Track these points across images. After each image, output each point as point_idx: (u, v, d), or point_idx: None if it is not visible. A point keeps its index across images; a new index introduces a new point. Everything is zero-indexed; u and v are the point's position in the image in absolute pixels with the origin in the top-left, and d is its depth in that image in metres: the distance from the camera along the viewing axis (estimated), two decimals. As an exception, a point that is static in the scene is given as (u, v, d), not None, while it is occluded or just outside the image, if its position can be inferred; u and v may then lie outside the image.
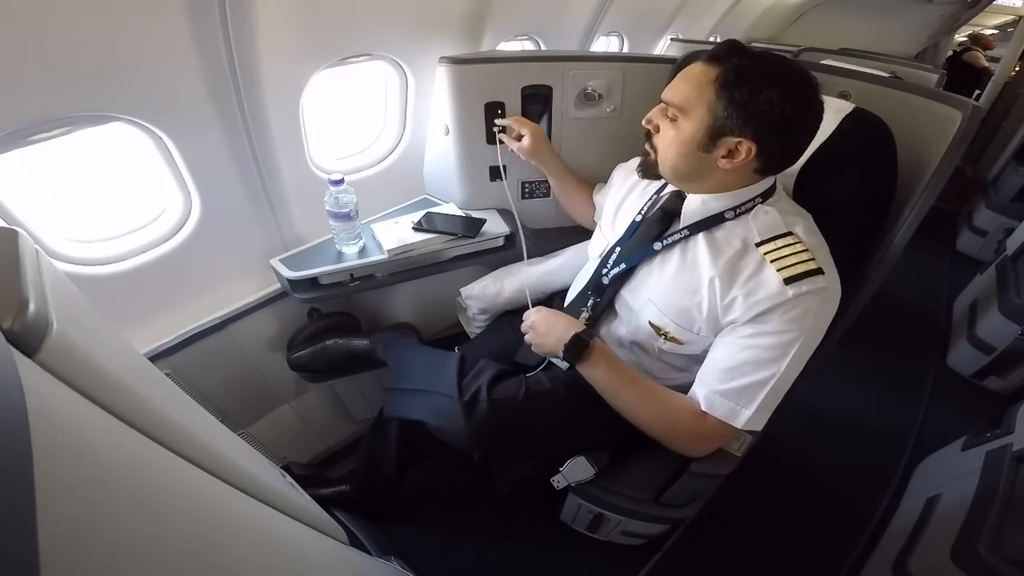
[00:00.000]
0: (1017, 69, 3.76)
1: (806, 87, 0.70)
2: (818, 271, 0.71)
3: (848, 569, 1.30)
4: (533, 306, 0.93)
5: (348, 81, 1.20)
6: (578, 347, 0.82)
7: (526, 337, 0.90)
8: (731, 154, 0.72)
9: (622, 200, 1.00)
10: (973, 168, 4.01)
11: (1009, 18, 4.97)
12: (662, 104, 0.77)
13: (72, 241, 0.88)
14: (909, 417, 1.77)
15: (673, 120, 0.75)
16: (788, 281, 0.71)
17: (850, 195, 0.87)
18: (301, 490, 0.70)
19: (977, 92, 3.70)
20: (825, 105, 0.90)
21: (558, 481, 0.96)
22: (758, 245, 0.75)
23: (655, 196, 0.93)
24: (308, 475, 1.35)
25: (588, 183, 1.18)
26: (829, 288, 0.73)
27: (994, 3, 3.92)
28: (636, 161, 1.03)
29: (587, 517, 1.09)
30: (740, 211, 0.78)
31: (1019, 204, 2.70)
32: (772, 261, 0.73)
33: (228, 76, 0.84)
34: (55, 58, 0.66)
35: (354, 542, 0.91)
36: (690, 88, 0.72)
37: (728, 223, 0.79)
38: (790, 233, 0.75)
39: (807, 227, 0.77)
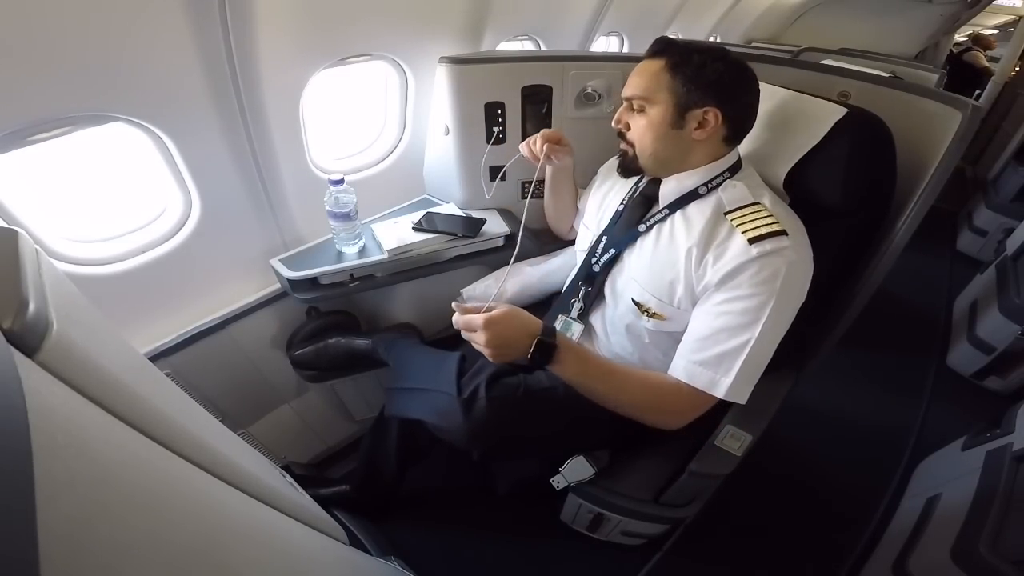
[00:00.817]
0: (1017, 69, 3.76)
1: (733, 57, 0.80)
2: (782, 232, 0.75)
3: (848, 569, 1.30)
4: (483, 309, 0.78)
5: (348, 81, 1.20)
6: (545, 351, 0.77)
7: (482, 350, 0.77)
8: (702, 124, 0.80)
9: (605, 195, 1.04)
10: (973, 168, 4.01)
11: (1009, 18, 4.97)
12: (624, 103, 0.85)
13: (72, 241, 0.88)
14: (909, 417, 1.77)
15: (640, 111, 0.83)
16: (752, 241, 0.75)
17: (850, 195, 0.87)
18: (301, 490, 0.70)
19: (977, 92, 3.70)
20: (823, 106, 0.91)
21: (558, 481, 0.96)
22: (726, 214, 0.80)
23: (634, 187, 0.96)
24: (308, 475, 1.35)
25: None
26: (794, 250, 0.75)
27: (994, 3, 3.91)
28: (615, 161, 1.04)
29: (587, 517, 1.09)
30: (712, 186, 0.84)
31: (1019, 204, 2.70)
32: (738, 226, 0.78)
33: (228, 76, 0.84)
34: (55, 58, 0.66)
35: (354, 542, 0.91)
36: (646, 80, 0.80)
37: (701, 198, 0.84)
38: (757, 203, 0.80)
39: (773, 198, 0.83)
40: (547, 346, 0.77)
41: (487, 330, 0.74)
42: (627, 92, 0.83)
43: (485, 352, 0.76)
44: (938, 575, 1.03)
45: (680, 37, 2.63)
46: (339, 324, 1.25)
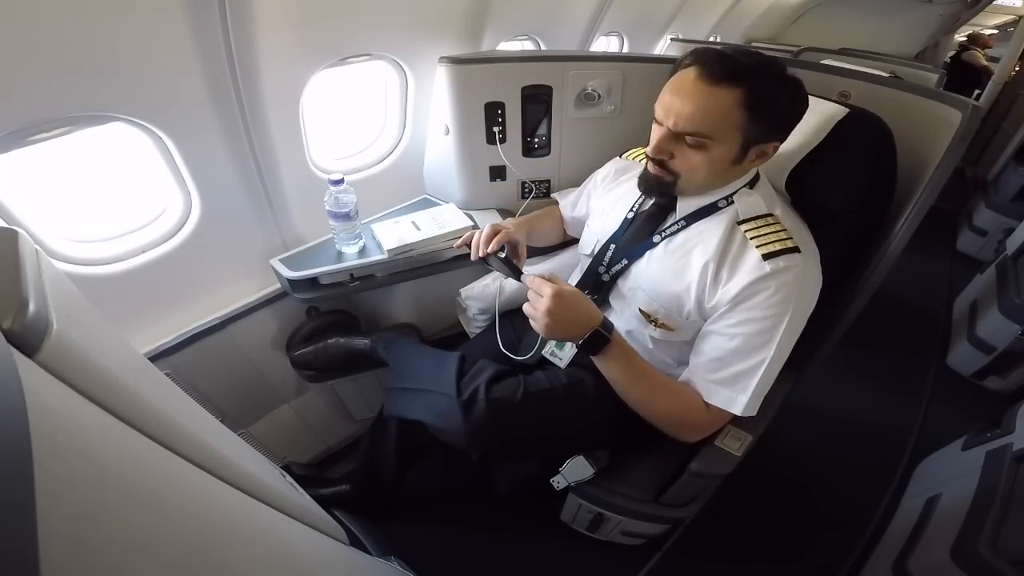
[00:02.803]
0: (1017, 69, 3.75)
1: (791, 77, 0.73)
2: (795, 249, 0.75)
3: (848, 569, 1.30)
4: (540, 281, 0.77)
5: (348, 81, 1.20)
6: (598, 343, 0.78)
7: (534, 310, 0.76)
8: (760, 156, 0.76)
9: (608, 197, 1.02)
10: (973, 168, 4.00)
11: (1009, 18, 4.97)
12: (665, 130, 0.74)
13: (72, 241, 0.88)
14: (909, 417, 1.77)
15: (697, 148, 0.73)
16: (767, 257, 0.74)
17: (850, 195, 0.88)
18: (301, 490, 0.70)
19: (977, 92, 3.70)
20: (824, 106, 0.90)
21: (558, 482, 0.96)
22: (740, 223, 0.79)
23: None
24: (308, 475, 1.35)
25: (553, 213, 1.19)
26: (806, 267, 0.76)
27: (994, 3, 3.91)
28: (620, 164, 1.03)
29: (587, 517, 1.09)
30: (731, 200, 0.82)
31: (1019, 204, 2.70)
32: (752, 239, 0.77)
33: (228, 76, 0.84)
34: (55, 58, 0.66)
35: (354, 542, 0.91)
36: (713, 117, 0.70)
37: (719, 211, 0.82)
38: (770, 214, 0.79)
39: (785, 210, 0.82)
40: (602, 338, 0.77)
41: (555, 299, 0.73)
42: (681, 125, 0.71)
43: (539, 320, 0.75)
44: (938, 575, 1.03)
45: (678, 37, 2.58)
46: (339, 324, 1.25)
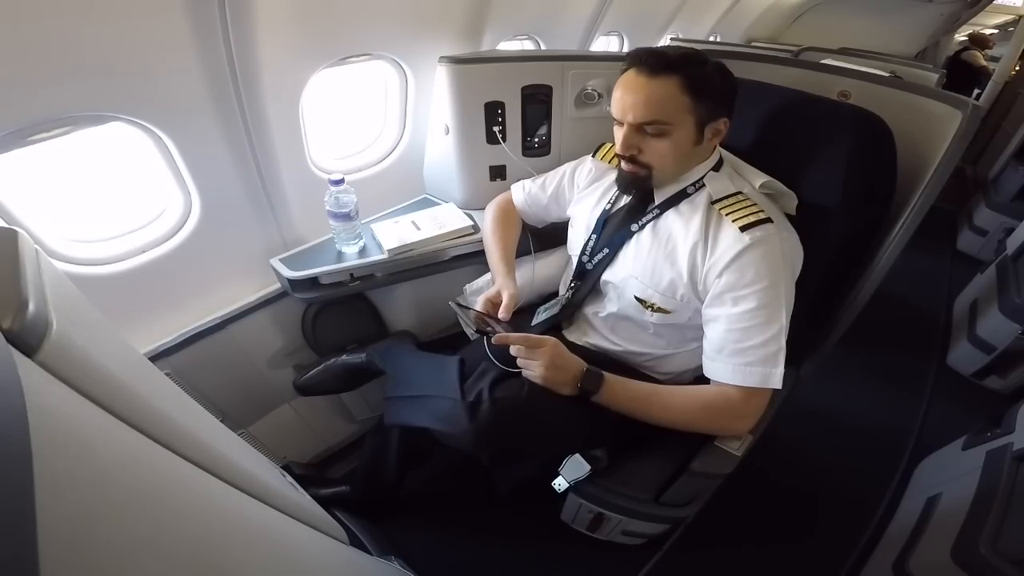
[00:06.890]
0: (1017, 69, 3.75)
1: (714, 61, 0.81)
2: (768, 220, 0.80)
3: (848, 569, 1.30)
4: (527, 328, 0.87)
5: (348, 81, 1.20)
6: (594, 378, 0.84)
7: (530, 362, 0.83)
8: (716, 134, 0.83)
9: (589, 199, 1.04)
10: (973, 168, 4.00)
11: (1009, 18, 4.97)
12: (629, 127, 0.80)
13: (72, 241, 0.88)
14: (909, 417, 1.76)
15: (660, 136, 0.80)
16: (743, 229, 0.79)
17: (850, 194, 0.88)
18: (301, 490, 0.70)
19: (977, 92, 3.70)
20: (825, 106, 0.91)
21: (559, 484, 0.96)
22: (714, 203, 0.84)
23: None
24: (308, 475, 1.35)
25: (513, 220, 1.16)
26: (780, 234, 0.81)
27: (994, 3, 3.91)
28: (596, 165, 1.05)
29: (587, 517, 1.09)
30: (699, 185, 0.87)
31: (1019, 203, 2.69)
32: (727, 215, 0.82)
33: (228, 76, 0.84)
34: (55, 58, 0.66)
35: (354, 542, 0.91)
36: (662, 105, 0.77)
37: (689, 196, 0.87)
38: (739, 192, 0.84)
39: (752, 189, 0.87)
40: (596, 375, 0.84)
41: (554, 348, 0.83)
42: (638, 117, 0.78)
43: (537, 371, 0.83)
44: (938, 575, 1.03)
45: (678, 37, 2.60)
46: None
